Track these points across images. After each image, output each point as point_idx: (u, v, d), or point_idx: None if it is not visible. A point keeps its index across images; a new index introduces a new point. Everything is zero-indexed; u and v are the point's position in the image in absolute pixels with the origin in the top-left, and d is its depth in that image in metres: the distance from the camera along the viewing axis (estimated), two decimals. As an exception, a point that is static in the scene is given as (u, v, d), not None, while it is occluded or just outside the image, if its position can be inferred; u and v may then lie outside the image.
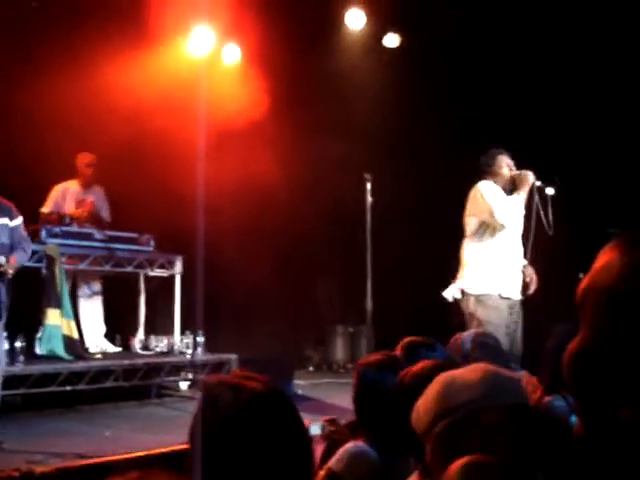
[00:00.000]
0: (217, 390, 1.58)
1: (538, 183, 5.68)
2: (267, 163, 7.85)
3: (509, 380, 1.75)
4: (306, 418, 3.01)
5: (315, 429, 2.94)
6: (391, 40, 8.93)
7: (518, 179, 5.68)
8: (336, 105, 8.47)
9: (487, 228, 5.66)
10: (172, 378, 7.29)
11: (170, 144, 7.17)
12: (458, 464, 1.33)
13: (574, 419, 3.13)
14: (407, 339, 3.16)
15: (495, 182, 5.72)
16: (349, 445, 2.58)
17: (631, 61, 7.45)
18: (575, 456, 1.30)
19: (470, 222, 5.73)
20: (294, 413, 1.59)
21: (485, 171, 5.76)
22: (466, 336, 3.50)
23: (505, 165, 5.74)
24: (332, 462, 2.53)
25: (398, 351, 3.08)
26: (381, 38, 8.92)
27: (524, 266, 5.78)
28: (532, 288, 5.74)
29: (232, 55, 8.60)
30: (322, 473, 2.48)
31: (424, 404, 1.75)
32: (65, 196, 7.52)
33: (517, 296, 5.69)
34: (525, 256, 5.81)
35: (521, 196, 5.64)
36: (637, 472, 0.83)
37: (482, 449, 1.49)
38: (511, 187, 5.72)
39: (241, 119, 7.60)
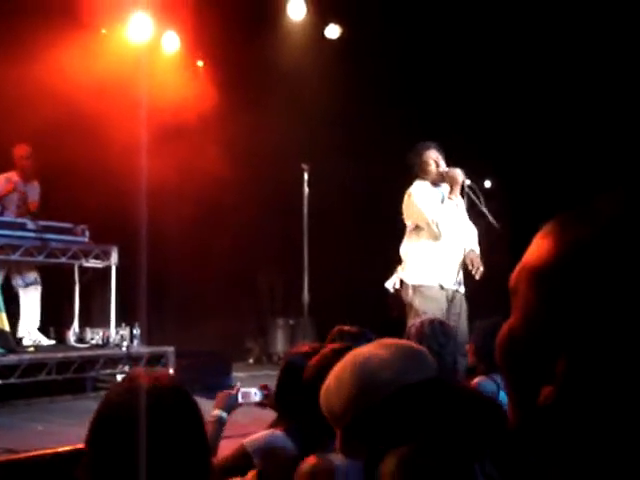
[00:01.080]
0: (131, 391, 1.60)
1: (468, 182, 5.68)
2: (207, 153, 7.77)
3: (421, 352, 1.68)
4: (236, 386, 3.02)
5: (248, 396, 2.97)
6: (332, 31, 8.94)
7: (447, 179, 5.67)
8: (276, 95, 8.42)
9: (424, 233, 5.68)
10: (108, 371, 7.16)
11: (107, 132, 7.03)
12: (392, 460, 1.28)
13: (502, 396, 3.21)
14: (337, 328, 3.18)
15: (425, 179, 5.75)
16: (267, 432, 2.55)
17: (566, 57, 7.60)
18: (509, 445, 1.30)
19: (407, 222, 5.78)
20: (195, 407, 1.66)
21: (413, 169, 5.80)
22: (410, 326, 3.58)
23: (432, 161, 5.74)
24: (248, 441, 2.48)
25: (328, 341, 3.09)
26: (322, 29, 8.91)
27: (469, 251, 5.72)
28: (476, 272, 5.59)
29: (171, 43, 8.48)
30: (236, 447, 2.46)
31: (337, 386, 1.64)
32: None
33: (458, 287, 5.72)
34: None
35: (453, 200, 5.66)
36: (560, 462, 0.84)
37: (410, 429, 1.43)
38: (441, 181, 5.74)
39: (180, 109, 7.49)
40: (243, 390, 2.94)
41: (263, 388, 3.01)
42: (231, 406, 2.89)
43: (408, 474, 1.25)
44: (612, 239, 0.81)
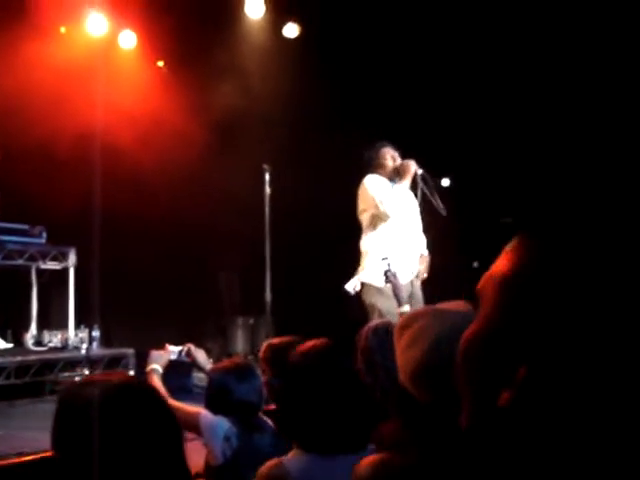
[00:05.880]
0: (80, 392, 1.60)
1: (420, 171, 5.78)
2: (166, 153, 7.70)
3: None
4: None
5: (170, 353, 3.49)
6: (291, 30, 8.91)
7: (401, 169, 5.79)
8: (235, 94, 8.39)
9: (379, 220, 5.76)
10: (67, 374, 7.06)
11: (64, 131, 6.93)
12: (365, 463, 1.28)
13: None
14: (272, 341, 3.19)
15: (380, 174, 5.84)
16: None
17: (522, 54, 7.70)
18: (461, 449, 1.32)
19: (364, 217, 5.85)
20: (157, 397, 1.65)
21: (370, 165, 5.88)
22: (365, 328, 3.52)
23: (389, 157, 5.87)
24: (203, 414, 2.93)
25: (262, 353, 3.12)
26: (281, 28, 8.88)
27: (421, 255, 5.92)
28: (420, 276, 5.87)
29: (128, 41, 8.40)
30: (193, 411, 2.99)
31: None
32: None
33: (413, 278, 5.81)
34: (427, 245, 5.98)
35: (403, 184, 5.76)
36: (518, 463, 0.87)
37: None
38: (396, 177, 5.84)
39: (139, 108, 7.45)
40: (170, 348, 3.48)
41: (187, 351, 3.51)
42: (160, 361, 3.38)
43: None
44: (565, 258, 0.87)
